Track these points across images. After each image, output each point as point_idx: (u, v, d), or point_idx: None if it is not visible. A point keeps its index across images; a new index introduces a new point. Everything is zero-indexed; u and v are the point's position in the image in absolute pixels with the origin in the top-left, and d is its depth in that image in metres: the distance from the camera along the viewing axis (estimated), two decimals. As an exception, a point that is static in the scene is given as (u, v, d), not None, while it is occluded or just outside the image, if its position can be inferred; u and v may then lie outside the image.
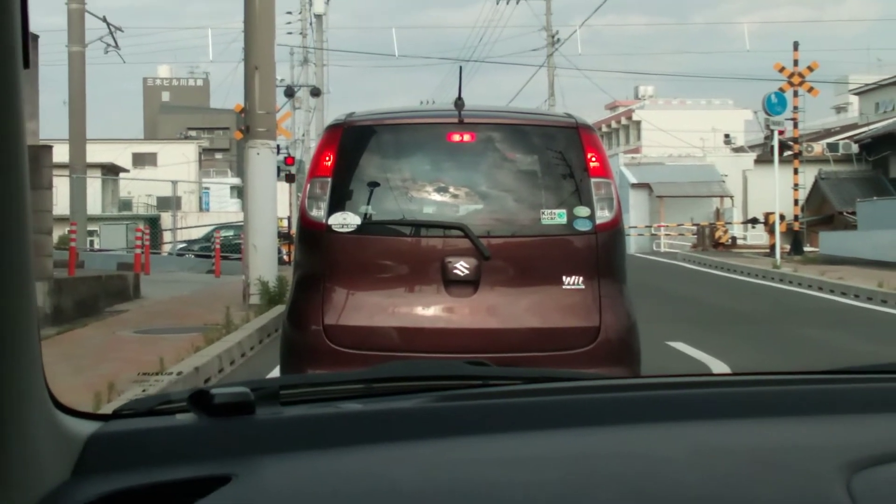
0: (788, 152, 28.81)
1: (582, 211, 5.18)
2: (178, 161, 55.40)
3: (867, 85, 46.02)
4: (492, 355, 4.30)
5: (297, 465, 1.31)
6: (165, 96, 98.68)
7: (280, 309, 11.10)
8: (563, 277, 5.13)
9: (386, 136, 5.38)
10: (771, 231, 27.48)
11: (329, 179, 5.19)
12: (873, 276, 17.97)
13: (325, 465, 1.31)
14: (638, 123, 57.04)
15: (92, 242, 35.93)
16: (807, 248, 29.44)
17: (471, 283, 5.08)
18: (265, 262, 13.71)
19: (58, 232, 21.01)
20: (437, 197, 5.26)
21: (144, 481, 1.26)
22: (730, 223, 38.94)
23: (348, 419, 1.47)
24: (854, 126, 44.37)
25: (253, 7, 13.91)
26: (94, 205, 39.63)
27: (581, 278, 5.13)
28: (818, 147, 38.15)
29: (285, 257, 23.55)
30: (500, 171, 5.34)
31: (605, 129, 60.34)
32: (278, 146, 19.14)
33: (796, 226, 29.37)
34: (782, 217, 25.73)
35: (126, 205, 52.29)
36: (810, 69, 28.06)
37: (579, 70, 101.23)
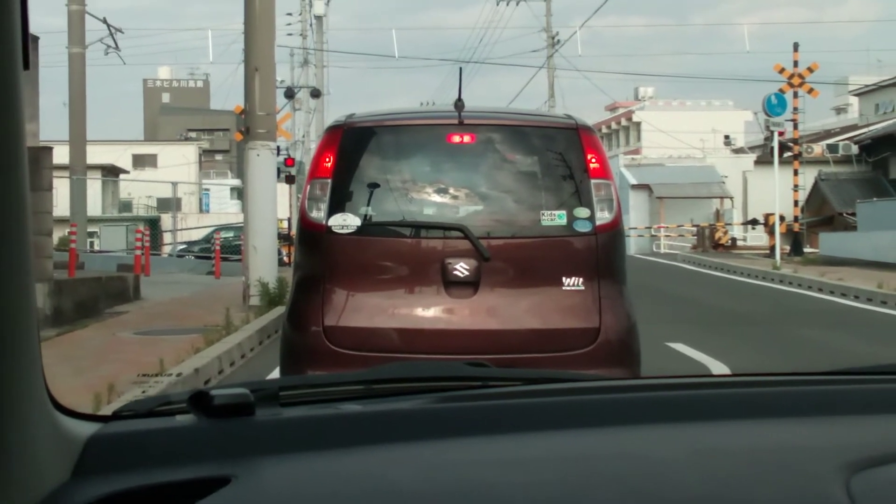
0: (788, 153, 28.82)
1: (582, 212, 5.19)
2: (178, 162, 55.43)
3: (867, 86, 46.03)
4: (491, 356, 4.30)
5: (297, 467, 1.31)
6: (165, 98, 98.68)
7: (280, 310, 11.10)
8: (563, 278, 5.13)
9: (386, 137, 5.39)
10: (771, 232, 27.47)
11: (329, 181, 5.19)
12: (873, 278, 17.97)
13: (325, 467, 1.31)
14: (638, 125, 57.06)
15: (92, 244, 35.94)
16: (807, 250, 29.45)
17: (471, 285, 5.09)
18: (265, 264, 13.71)
19: (58, 233, 21.02)
20: (437, 198, 5.26)
21: (144, 482, 1.26)
22: (730, 224, 38.94)
23: (348, 420, 1.47)
24: (854, 127, 44.38)
25: (253, 8, 13.91)
26: (94, 206, 39.63)
27: (581, 279, 5.13)
28: (818, 148, 38.15)
29: (285, 258, 23.55)
30: (500, 173, 5.34)
31: (605, 130, 60.36)
32: (278, 147, 19.15)
33: (796, 227, 29.38)
34: (782, 218, 25.73)
35: (126, 206, 52.30)
36: (810, 70, 28.08)
37: (579, 71, 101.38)
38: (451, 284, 5.08)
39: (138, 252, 22.21)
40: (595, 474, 1.29)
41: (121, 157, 54.07)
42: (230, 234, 31.85)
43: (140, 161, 60.51)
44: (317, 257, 5.22)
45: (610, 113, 64.20)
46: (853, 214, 30.54)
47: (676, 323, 12.26)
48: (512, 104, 41.83)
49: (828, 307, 15.49)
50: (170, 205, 39.87)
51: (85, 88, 27.71)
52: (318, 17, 43.44)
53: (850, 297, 16.47)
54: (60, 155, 17.34)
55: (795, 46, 28.15)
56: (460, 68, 5.82)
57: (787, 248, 27.91)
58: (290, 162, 29.15)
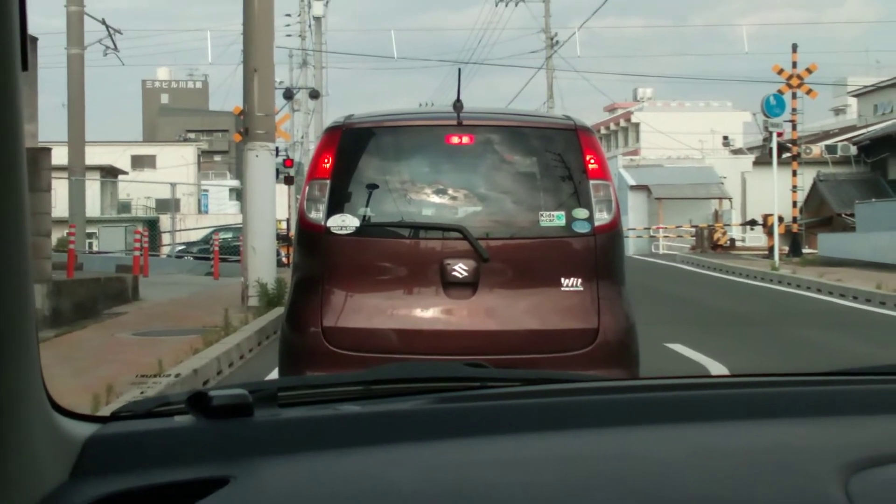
0: (787, 154, 28.83)
1: (580, 213, 5.19)
2: (176, 163, 55.42)
3: (866, 87, 46.05)
4: (490, 357, 4.30)
5: (296, 467, 1.31)
6: (164, 98, 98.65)
7: (279, 311, 11.10)
8: (562, 279, 5.13)
9: (385, 138, 5.39)
10: (769, 233, 27.48)
11: (328, 181, 5.19)
12: (872, 278, 17.98)
13: (324, 467, 1.31)
14: (637, 125, 57.07)
15: (91, 245, 35.93)
16: (805, 250, 29.46)
17: (469, 285, 5.09)
18: (264, 264, 13.71)
19: (57, 234, 21.01)
20: (435, 199, 5.26)
21: (143, 483, 1.26)
22: (728, 225, 38.95)
23: (347, 421, 1.47)
24: (853, 128, 44.41)
25: (252, 9, 13.91)
26: (92, 207, 39.61)
27: (580, 280, 5.13)
28: (817, 149, 38.19)
29: (284, 259, 23.54)
30: (498, 173, 5.34)
31: (603, 131, 60.37)
32: (277, 148, 19.16)
33: (795, 228, 29.39)
34: (781, 219, 25.74)
35: (125, 207, 52.30)
36: (809, 71, 28.10)
37: (578, 72, 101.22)
38: (450, 285, 5.08)
39: (137, 253, 22.20)
40: (594, 475, 1.29)
41: (120, 157, 54.06)
42: (229, 235, 31.86)
43: (139, 162, 60.51)
44: (316, 258, 5.22)
45: (609, 114, 64.21)
46: (852, 215, 30.56)
47: (675, 324, 12.26)
48: (511, 105, 41.84)
49: (826, 308, 15.50)
50: (168, 206, 39.85)
51: (84, 89, 27.70)
52: (317, 18, 43.43)
53: (848, 298, 16.47)
54: (59, 156, 17.34)
55: (794, 47, 28.18)
56: (459, 69, 5.81)
57: (786, 248, 27.92)
58: (288, 163, 29.15)
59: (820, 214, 36.08)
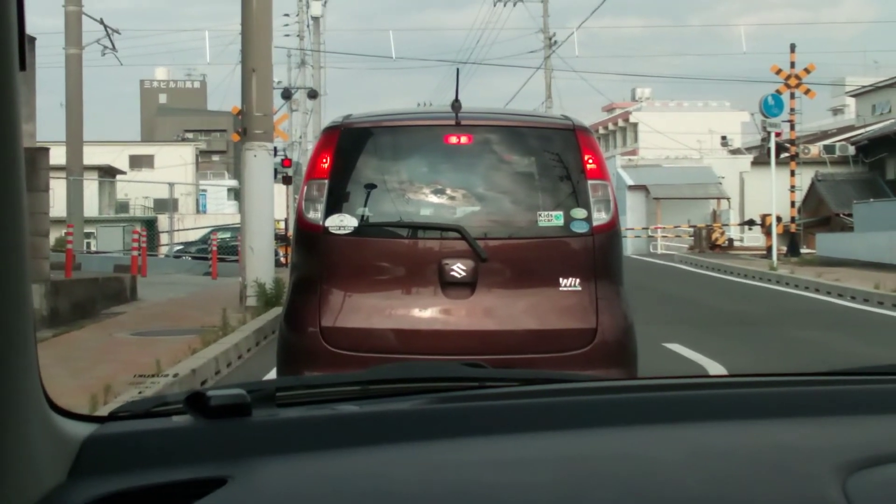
0: (785, 154, 28.85)
1: (579, 213, 5.19)
2: (175, 163, 55.41)
3: (864, 87, 46.07)
4: (488, 357, 4.30)
5: (294, 467, 1.31)
6: (162, 98, 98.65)
7: (277, 311, 11.10)
8: (560, 279, 5.13)
9: (383, 138, 5.38)
10: (768, 233, 27.48)
11: (326, 181, 5.19)
12: (870, 278, 17.99)
13: (322, 467, 1.31)
14: (635, 125, 57.08)
15: (89, 245, 35.96)
16: (803, 250, 29.47)
17: (468, 285, 5.08)
18: (262, 264, 13.70)
19: (55, 234, 21.02)
20: (434, 199, 5.26)
21: (141, 483, 1.26)
22: (727, 225, 38.97)
23: (345, 421, 1.47)
24: (851, 128, 44.43)
25: (250, 9, 13.91)
26: (91, 207, 39.61)
27: (578, 280, 5.13)
28: (815, 149, 38.21)
29: (282, 259, 23.54)
30: (497, 173, 5.34)
31: (602, 131, 60.37)
32: (275, 148, 19.14)
33: (793, 228, 29.42)
34: (779, 219, 25.76)
35: (123, 207, 52.31)
36: (807, 71, 28.14)
37: (576, 72, 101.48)
38: (448, 285, 5.08)
39: (135, 253, 22.19)
40: (592, 475, 1.29)
41: (118, 157, 54.04)
42: (227, 235, 31.87)
43: (137, 162, 60.49)
44: (314, 258, 5.22)
45: (607, 114, 64.22)
46: (850, 215, 30.58)
47: (673, 324, 12.27)
48: (509, 105, 41.85)
49: (824, 308, 15.50)
50: (167, 205, 39.89)
51: (82, 89, 27.68)
52: (316, 18, 43.43)
53: (846, 298, 16.48)
54: (57, 156, 17.32)
55: (792, 47, 28.22)
56: (457, 69, 5.82)
57: (784, 248, 27.94)
58: (287, 163, 29.13)
59: (818, 214, 36.10)
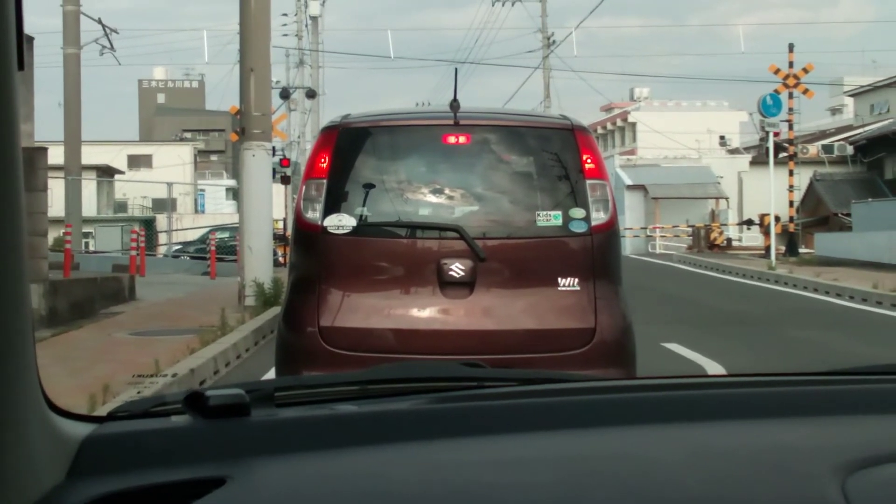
0: (784, 154, 28.86)
1: (577, 212, 5.18)
2: (173, 163, 55.36)
3: (862, 87, 46.10)
4: (487, 357, 4.30)
5: (293, 467, 1.31)
6: (161, 98, 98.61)
7: (275, 311, 11.10)
8: (559, 279, 5.13)
9: (381, 137, 5.38)
10: (766, 232, 27.51)
11: (324, 181, 5.18)
12: (868, 278, 18.00)
13: (321, 467, 1.31)
14: (633, 125, 57.10)
15: (87, 244, 35.93)
16: (802, 250, 29.48)
17: (466, 285, 5.08)
18: (260, 264, 13.70)
19: (53, 234, 20.99)
20: (432, 198, 5.26)
21: (139, 483, 1.26)
22: (725, 225, 38.98)
23: (343, 421, 1.47)
24: (849, 128, 44.47)
25: (248, 9, 13.91)
26: (89, 207, 39.61)
27: (576, 280, 5.13)
28: (813, 149, 38.25)
29: (280, 259, 23.55)
30: (495, 173, 5.34)
31: (600, 130, 60.39)
32: (274, 148, 19.15)
33: (791, 227, 29.43)
34: (777, 218, 25.77)
35: (121, 207, 52.25)
36: (805, 71, 28.15)
37: (575, 72, 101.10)
38: (447, 285, 5.08)
39: (133, 253, 22.19)
40: (591, 474, 1.29)
41: (116, 157, 53.98)
42: (225, 235, 31.87)
43: (135, 161, 60.44)
44: (312, 258, 5.22)
45: (605, 113, 64.24)
46: (848, 215, 30.60)
47: (672, 323, 12.27)
48: (508, 105, 41.85)
49: (823, 307, 15.51)
50: (165, 205, 39.87)
51: (80, 89, 27.67)
52: (314, 18, 43.43)
53: (845, 298, 16.49)
54: (56, 155, 17.32)
55: (790, 47, 28.22)
56: (455, 69, 5.82)
57: (783, 248, 27.94)
58: (285, 162, 29.13)
59: (816, 214, 36.12)
